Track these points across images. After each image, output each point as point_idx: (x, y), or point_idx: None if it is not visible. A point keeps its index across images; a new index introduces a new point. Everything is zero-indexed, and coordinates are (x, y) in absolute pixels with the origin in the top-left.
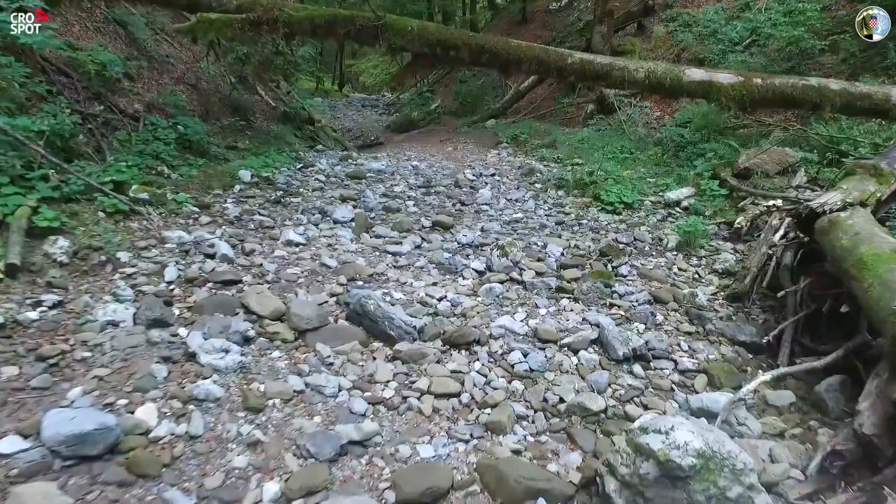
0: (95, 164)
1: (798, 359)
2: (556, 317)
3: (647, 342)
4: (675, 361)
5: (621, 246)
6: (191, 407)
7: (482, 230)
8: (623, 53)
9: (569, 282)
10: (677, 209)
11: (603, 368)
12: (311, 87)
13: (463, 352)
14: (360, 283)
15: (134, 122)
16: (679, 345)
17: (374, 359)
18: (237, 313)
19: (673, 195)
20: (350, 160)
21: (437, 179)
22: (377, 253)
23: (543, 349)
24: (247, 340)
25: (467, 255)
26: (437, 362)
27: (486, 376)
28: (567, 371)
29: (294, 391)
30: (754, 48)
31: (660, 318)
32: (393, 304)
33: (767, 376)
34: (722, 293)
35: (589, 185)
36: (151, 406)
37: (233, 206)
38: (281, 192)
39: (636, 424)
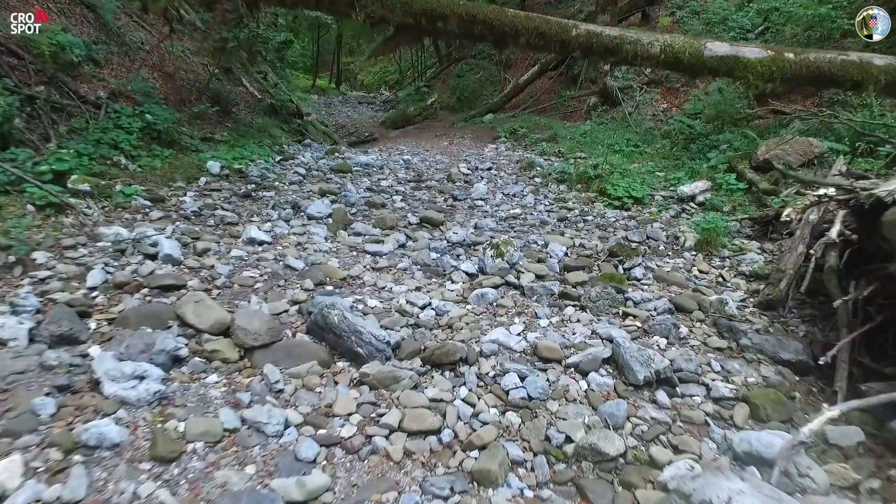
0: (35, 153)
1: (864, 385)
2: (560, 329)
3: (671, 361)
4: (706, 386)
5: (633, 245)
6: (75, 458)
7: (475, 227)
8: None
9: (574, 286)
10: (692, 204)
11: (619, 396)
12: (307, 84)
13: (447, 373)
14: (330, 288)
15: (95, 109)
16: (710, 364)
17: (336, 383)
18: (169, 326)
19: (686, 189)
20: (337, 154)
21: (429, 174)
22: (354, 253)
23: (545, 370)
24: (176, 362)
25: (457, 256)
26: (414, 388)
27: (473, 405)
28: (574, 399)
29: (225, 430)
30: (768, 35)
31: (684, 330)
32: (365, 315)
33: (835, 412)
34: (752, 299)
35: (594, 179)
36: (17, 459)
37: (192, 200)
38: (253, 186)
39: (667, 477)
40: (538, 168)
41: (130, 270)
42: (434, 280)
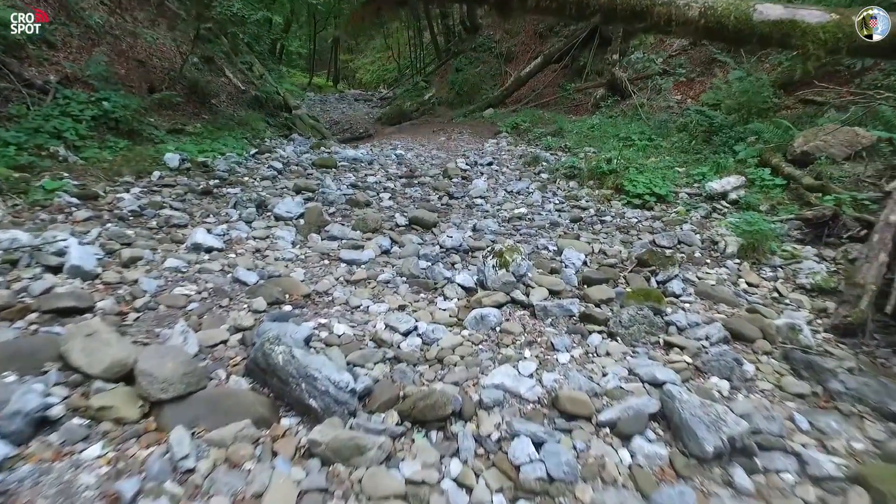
0: None
1: None
2: (586, 367)
3: (747, 420)
4: (797, 457)
5: (667, 252)
6: None
7: (474, 229)
8: (635, 34)
9: (598, 305)
10: (723, 203)
11: (678, 474)
12: (304, 82)
13: (433, 434)
14: (288, 308)
15: (42, 94)
16: (793, 419)
17: (275, 454)
18: (45, 371)
19: (716, 185)
20: (322, 148)
21: (423, 169)
22: (325, 262)
23: (569, 432)
24: (43, 426)
25: (452, 265)
26: (386, 460)
27: (470, 491)
28: (614, 480)
29: None
30: None
31: (749, 368)
32: (328, 346)
33: None
34: (820, 321)
35: (608, 175)
36: None
37: (133, 198)
38: (216, 181)
39: None
40: (544, 163)
41: (18, 288)
42: (422, 296)
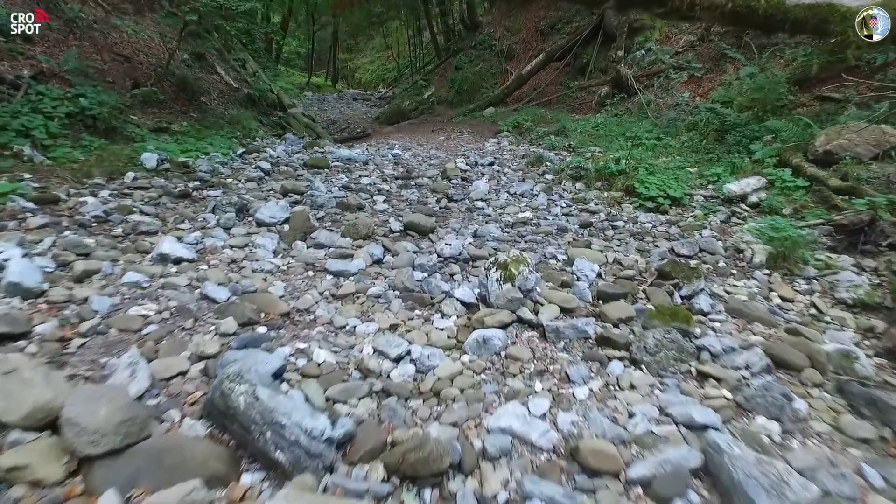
0: None
1: None
2: (607, 404)
3: (806, 475)
4: None
5: (690, 262)
6: None
7: (475, 236)
8: (640, 30)
9: (616, 325)
10: (742, 206)
11: None
12: (303, 82)
13: (427, 494)
14: (262, 329)
15: (13, 89)
16: (861, 473)
17: None
18: None
19: (734, 188)
20: (316, 147)
21: (421, 170)
22: (310, 273)
23: (593, 492)
24: None
25: (451, 276)
26: None
27: None
28: None
29: None
30: None
31: (801, 406)
32: (304, 378)
33: None
34: (867, 342)
35: (617, 176)
36: None
37: (98, 202)
38: (197, 183)
39: None
40: (548, 163)
41: None
42: (417, 312)
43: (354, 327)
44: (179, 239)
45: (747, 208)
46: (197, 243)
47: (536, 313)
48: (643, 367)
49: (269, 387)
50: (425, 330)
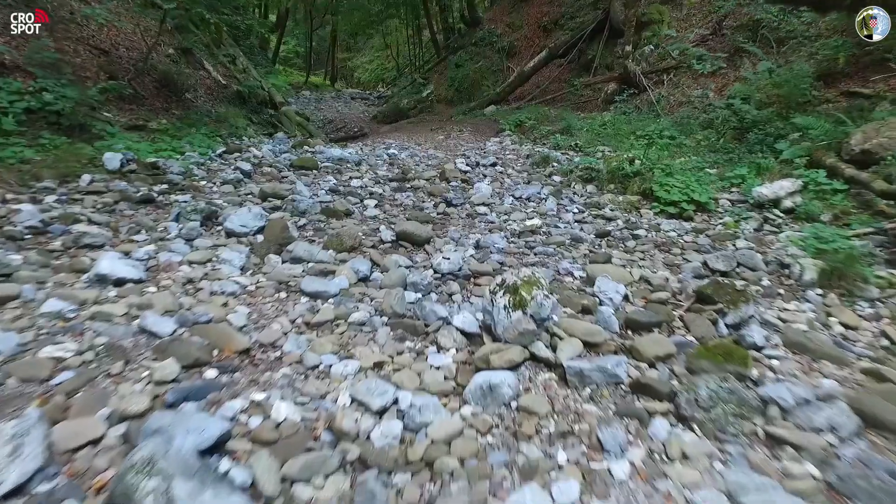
0: None
1: None
2: (656, 486)
3: None
4: None
5: (737, 284)
6: None
7: (477, 246)
8: (648, 24)
9: (653, 364)
10: (775, 212)
11: None
12: (300, 81)
13: None
14: (212, 373)
15: None
16: None
17: None
18: None
19: (765, 191)
20: (306, 147)
21: (418, 171)
22: (282, 294)
23: None
24: None
25: (449, 296)
26: None
27: None
28: None
29: None
30: None
31: None
32: (253, 447)
33: None
34: None
35: (632, 178)
36: None
37: (36, 210)
38: (165, 186)
39: None
40: (555, 164)
41: None
42: (408, 344)
43: (329, 367)
44: (127, 254)
45: (781, 214)
46: (148, 259)
47: (554, 349)
48: (695, 426)
49: (195, 474)
50: (417, 368)
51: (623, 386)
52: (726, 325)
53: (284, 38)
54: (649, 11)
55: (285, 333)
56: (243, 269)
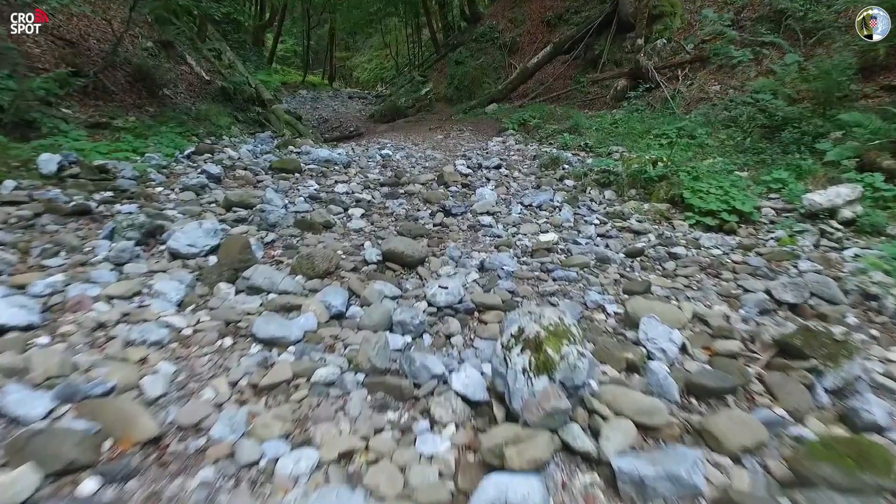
0: None
1: None
2: None
3: None
4: None
5: (835, 334)
6: None
7: (481, 269)
8: (660, 17)
9: (737, 459)
10: (832, 223)
11: None
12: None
13: None
14: (91, 486)
15: None
16: None
17: None
18: None
19: (819, 199)
20: (291, 147)
21: (413, 174)
22: (226, 342)
23: None
24: None
25: (447, 339)
26: None
27: None
28: None
29: None
30: None
31: None
32: None
33: None
34: None
35: (657, 182)
36: None
37: None
38: (110, 194)
39: None
40: (566, 166)
41: None
42: (389, 418)
43: (275, 462)
44: (21, 288)
45: (839, 226)
46: (51, 294)
47: (595, 434)
48: None
49: None
50: (401, 460)
51: (703, 500)
52: (825, 391)
53: (282, 36)
54: (661, 3)
55: (219, 406)
56: (181, 305)
